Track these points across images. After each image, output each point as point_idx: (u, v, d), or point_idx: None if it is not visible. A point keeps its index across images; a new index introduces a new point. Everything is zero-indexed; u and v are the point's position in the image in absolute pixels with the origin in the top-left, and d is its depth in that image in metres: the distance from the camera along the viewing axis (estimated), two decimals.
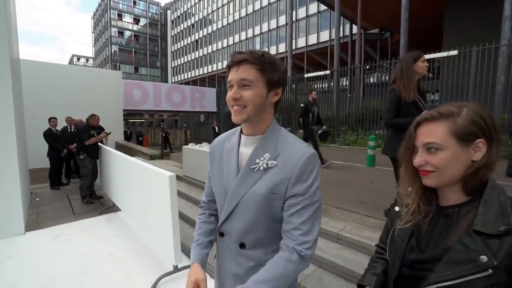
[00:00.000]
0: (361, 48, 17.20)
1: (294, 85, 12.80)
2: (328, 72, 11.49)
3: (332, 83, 12.09)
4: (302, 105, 5.72)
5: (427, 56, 8.63)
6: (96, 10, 54.51)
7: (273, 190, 0.78)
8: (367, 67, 10.50)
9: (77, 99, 8.71)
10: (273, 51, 29.39)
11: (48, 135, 5.67)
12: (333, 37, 21.34)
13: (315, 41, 25.43)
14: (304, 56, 25.77)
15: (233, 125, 0.83)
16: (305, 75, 12.32)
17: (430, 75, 10.39)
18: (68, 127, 6.26)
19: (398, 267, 0.72)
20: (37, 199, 4.92)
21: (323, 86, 12.59)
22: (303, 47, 26.15)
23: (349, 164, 6.17)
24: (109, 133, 5.15)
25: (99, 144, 4.97)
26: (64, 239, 3.18)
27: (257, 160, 0.80)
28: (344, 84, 12.99)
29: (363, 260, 2.13)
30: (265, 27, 30.75)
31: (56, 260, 2.67)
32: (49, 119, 5.84)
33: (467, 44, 7.80)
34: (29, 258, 2.70)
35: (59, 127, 6.05)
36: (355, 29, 19.96)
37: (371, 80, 12.50)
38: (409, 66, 2.07)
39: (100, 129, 4.97)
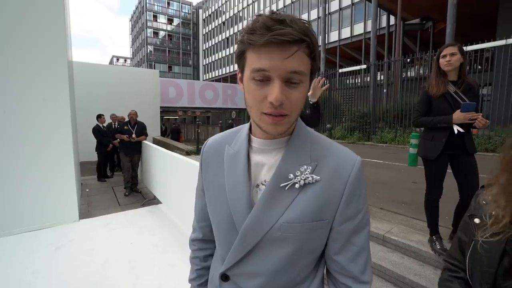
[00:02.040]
0: (399, 41, 16.20)
1: (327, 81, 12.47)
2: (365, 66, 11.00)
3: (367, 78, 11.56)
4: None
5: (475, 47, 7.89)
6: (134, 13, 57.72)
7: (319, 216, 0.54)
8: (408, 60, 9.83)
9: (119, 97, 9.29)
10: None
11: (96, 131, 6.14)
12: (368, 30, 20.40)
13: (348, 35, 24.47)
14: (337, 50, 24.92)
15: None
16: (339, 70, 11.93)
17: (479, 67, 9.47)
18: (113, 123, 6.72)
19: None
20: (87, 190, 5.36)
21: (357, 81, 12.09)
22: (336, 41, 25.30)
23: (388, 163, 5.88)
24: (131, 136, 5.06)
25: (143, 141, 5.24)
26: (112, 227, 3.42)
27: (291, 175, 0.55)
28: (379, 78, 12.36)
29: (413, 265, 2.01)
30: None
31: (108, 246, 2.88)
32: (98, 116, 6.31)
33: None
34: (85, 242, 2.95)
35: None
36: (392, 20, 18.84)
37: (409, 74, 11.72)
38: (435, 61, 2.01)
39: (137, 125, 5.18)
